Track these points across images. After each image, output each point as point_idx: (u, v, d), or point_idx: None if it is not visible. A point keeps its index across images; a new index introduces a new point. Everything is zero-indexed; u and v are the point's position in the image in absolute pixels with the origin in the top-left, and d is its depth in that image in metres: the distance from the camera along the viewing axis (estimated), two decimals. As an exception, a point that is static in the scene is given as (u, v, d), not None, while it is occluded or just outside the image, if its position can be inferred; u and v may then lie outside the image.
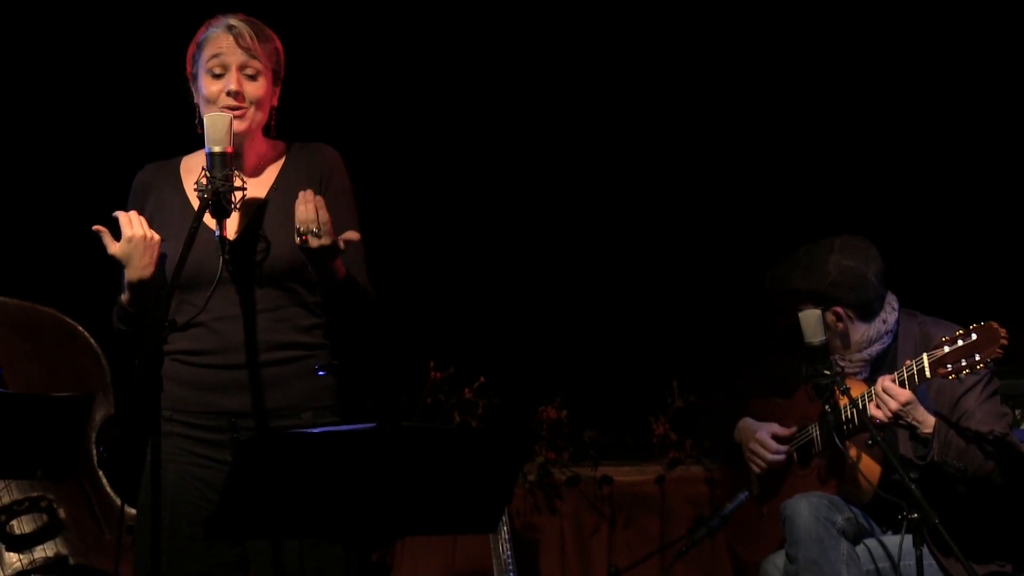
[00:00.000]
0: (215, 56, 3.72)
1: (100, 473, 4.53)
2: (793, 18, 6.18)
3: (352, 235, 3.63)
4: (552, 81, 6.29)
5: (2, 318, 4.55)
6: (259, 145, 3.81)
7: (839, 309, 4.56)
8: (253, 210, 3.74)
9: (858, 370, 4.60)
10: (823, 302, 4.54)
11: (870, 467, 4.45)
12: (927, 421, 4.33)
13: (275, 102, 3.79)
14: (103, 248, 3.65)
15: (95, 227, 3.65)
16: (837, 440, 4.39)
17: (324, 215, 3.54)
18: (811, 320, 4.38)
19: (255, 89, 3.74)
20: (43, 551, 4.41)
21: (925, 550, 4.20)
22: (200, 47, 3.76)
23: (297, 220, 3.54)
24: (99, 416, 4.56)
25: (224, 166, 3.60)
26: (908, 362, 4.33)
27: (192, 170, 3.78)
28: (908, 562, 4.29)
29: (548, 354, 6.21)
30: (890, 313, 4.60)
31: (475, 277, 6.25)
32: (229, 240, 3.66)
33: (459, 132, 6.27)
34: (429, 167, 6.26)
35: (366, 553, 4.52)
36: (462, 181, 6.29)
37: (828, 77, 6.18)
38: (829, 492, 4.53)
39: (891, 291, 4.65)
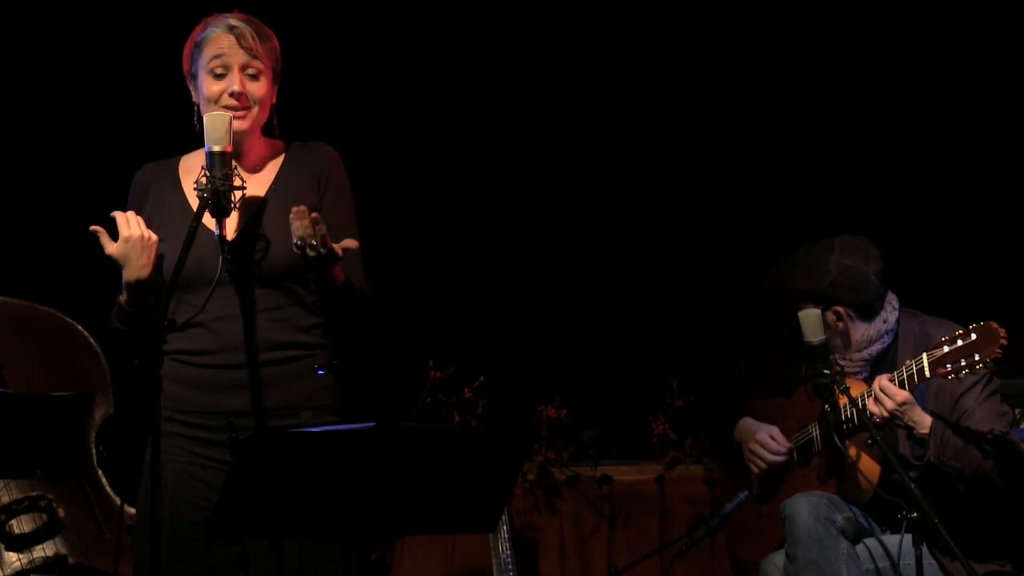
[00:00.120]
0: (217, 56, 3.72)
1: (100, 473, 4.53)
2: (793, 18, 6.18)
3: (350, 243, 3.62)
4: (552, 81, 6.29)
5: (2, 318, 4.56)
6: (258, 144, 3.80)
7: (839, 308, 4.57)
8: (252, 209, 3.73)
9: (858, 369, 4.60)
10: (823, 301, 4.54)
11: (870, 466, 4.45)
12: (923, 421, 4.33)
13: (274, 100, 3.79)
14: (102, 248, 3.65)
15: (92, 227, 3.65)
16: (837, 440, 4.39)
17: (321, 228, 3.53)
18: (811, 320, 4.38)
19: (257, 89, 3.73)
20: (42, 550, 4.41)
21: (925, 549, 4.20)
22: (199, 46, 3.75)
23: (294, 235, 3.54)
24: (99, 415, 4.56)
25: (224, 165, 3.59)
26: (908, 362, 4.33)
27: (191, 169, 3.78)
28: (908, 561, 4.28)
29: (548, 354, 6.21)
30: (890, 312, 4.61)
31: (475, 277, 6.25)
32: (228, 240, 3.66)
33: (459, 132, 6.27)
34: (429, 167, 6.26)
35: (365, 553, 4.52)
36: (462, 181, 6.29)
37: (828, 77, 6.18)
38: (829, 491, 4.53)
39: (891, 291, 4.65)
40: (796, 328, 4.42)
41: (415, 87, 6.26)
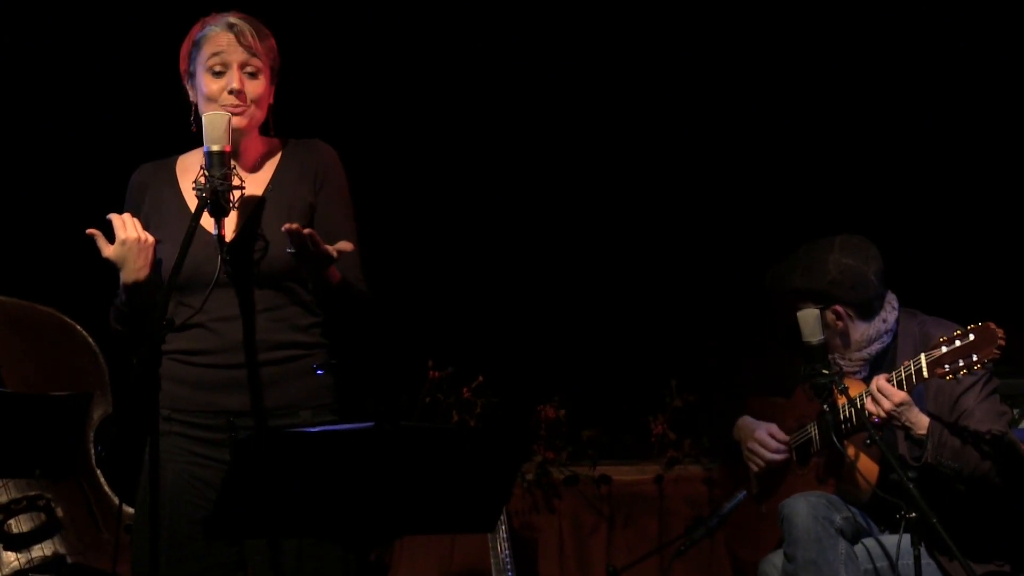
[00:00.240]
0: (216, 54, 3.71)
1: (98, 472, 4.53)
2: (793, 18, 6.17)
3: (345, 245, 3.61)
4: (552, 81, 6.29)
5: (0, 317, 4.56)
6: (256, 143, 3.80)
7: (839, 308, 4.56)
8: (251, 209, 3.73)
9: (857, 369, 4.60)
10: (823, 301, 4.54)
11: (868, 466, 4.45)
12: (921, 422, 4.33)
13: (271, 100, 3.79)
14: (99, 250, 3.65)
15: (89, 231, 3.64)
16: (835, 440, 4.38)
17: (315, 238, 3.54)
18: (809, 319, 4.38)
19: (256, 87, 3.73)
20: (41, 550, 4.41)
21: (923, 550, 4.20)
22: (197, 45, 3.75)
23: (291, 244, 3.55)
24: (97, 415, 4.56)
25: (223, 165, 3.59)
26: (906, 362, 4.33)
27: (188, 169, 3.78)
28: (906, 561, 4.28)
29: (546, 353, 6.21)
30: (890, 312, 4.60)
31: (474, 276, 6.25)
32: (227, 240, 3.66)
33: (459, 132, 6.27)
34: (429, 167, 6.26)
35: (364, 553, 4.51)
36: (462, 181, 6.29)
37: (828, 77, 6.18)
38: (827, 491, 4.53)
39: (891, 290, 4.65)
40: (796, 327, 4.42)
41: (415, 87, 6.26)
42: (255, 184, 3.77)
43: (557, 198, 6.36)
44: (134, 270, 3.64)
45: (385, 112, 6.22)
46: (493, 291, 6.26)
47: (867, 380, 4.51)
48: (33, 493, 4.45)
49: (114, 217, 3.66)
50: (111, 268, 3.68)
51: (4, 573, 4.36)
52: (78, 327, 4.62)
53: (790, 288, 4.62)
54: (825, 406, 4.41)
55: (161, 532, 3.55)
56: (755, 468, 4.78)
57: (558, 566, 5.78)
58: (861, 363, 4.61)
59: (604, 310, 6.36)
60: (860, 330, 4.59)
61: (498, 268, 6.29)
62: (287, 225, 3.53)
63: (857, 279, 4.54)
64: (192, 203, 3.67)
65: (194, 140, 3.73)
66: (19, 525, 4.41)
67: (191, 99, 3.78)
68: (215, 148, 3.60)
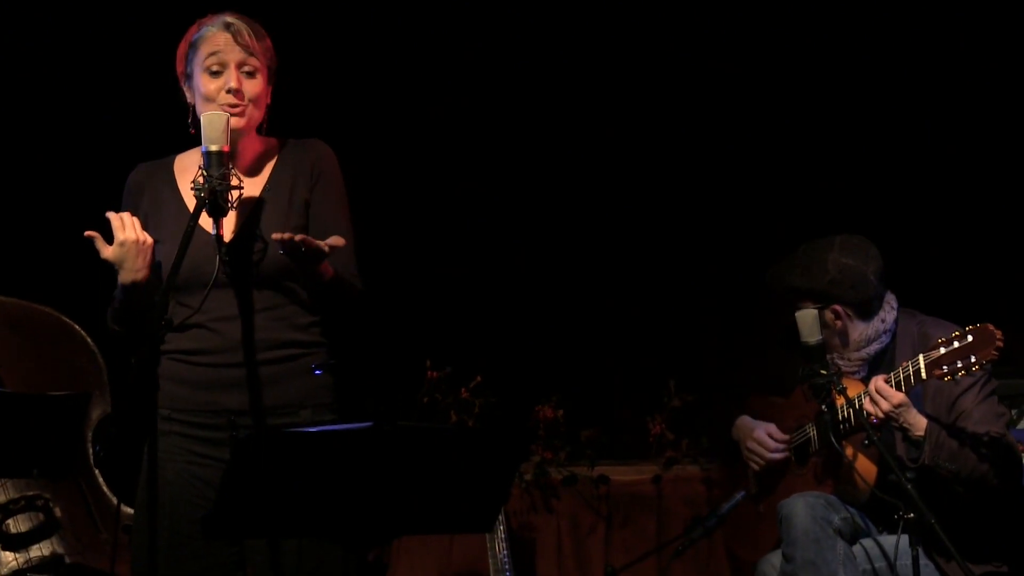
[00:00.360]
0: (213, 54, 3.71)
1: (96, 472, 4.53)
2: (793, 18, 6.17)
3: (337, 240, 3.61)
4: (552, 81, 6.29)
5: (-1, 317, 4.57)
6: (253, 143, 3.80)
7: (838, 307, 4.56)
8: (249, 209, 3.73)
9: (856, 369, 4.60)
10: (822, 300, 4.54)
11: (866, 467, 4.45)
12: (919, 423, 4.33)
13: (269, 100, 3.79)
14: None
15: (87, 232, 3.63)
16: (833, 440, 4.38)
17: (307, 241, 3.54)
18: (807, 319, 4.38)
19: (253, 87, 3.73)
20: (39, 550, 4.41)
21: (921, 550, 4.20)
22: (194, 46, 3.74)
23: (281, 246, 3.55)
24: (96, 415, 4.55)
25: (221, 165, 3.59)
26: (904, 363, 4.33)
27: (186, 169, 3.78)
28: (904, 562, 4.28)
29: (545, 353, 6.21)
30: (889, 312, 4.60)
31: (472, 276, 6.25)
32: (225, 240, 3.66)
33: (458, 132, 6.27)
34: (428, 167, 6.26)
35: (363, 552, 4.52)
36: (461, 181, 6.28)
37: (828, 77, 6.18)
38: (826, 492, 4.53)
39: (890, 290, 4.65)
40: (795, 327, 4.42)
41: (415, 87, 6.26)
42: (253, 184, 3.77)
43: (556, 198, 6.36)
44: (132, 271, 3.63)
45: (385, 112, 6.21)
46: (491, 291, 6.25)
47: (866, 380, 4.50)
48: (31, 493, 4.45)
49: (112, 216, 3.65)
50: (109, 268, 3.67)
51: (2, 573, 4.36)
52: (76, 327, 4.62)
53: (789, 287, 4.62)
54: (823, 406, 4.41)
55: (161, 532, 3.54)
56: (754, 467, 4.78)
57: (556, 566, 5.78)
58: (860, 363, 4.60)
59: (602, 310, 6.36)
60: (859, 330, 4.58)
61: (496, 268, 6.29)
62: (276, 235, 3.53)
63: (857, 279, 4.54)
64: (190, 203, 3.67)
65: (191, 140, 3.73)
66: (17, 525, 4.41)
67: (188, 100, 3.78)
68: (213, 148, 3.60)
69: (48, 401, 3.60)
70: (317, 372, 3.73)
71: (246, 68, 3.73)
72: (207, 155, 3.60)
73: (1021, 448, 4.57)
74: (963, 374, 4.21)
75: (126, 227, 3.63)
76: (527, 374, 6.10)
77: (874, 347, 4.59)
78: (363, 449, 3.11)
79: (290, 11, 5.56)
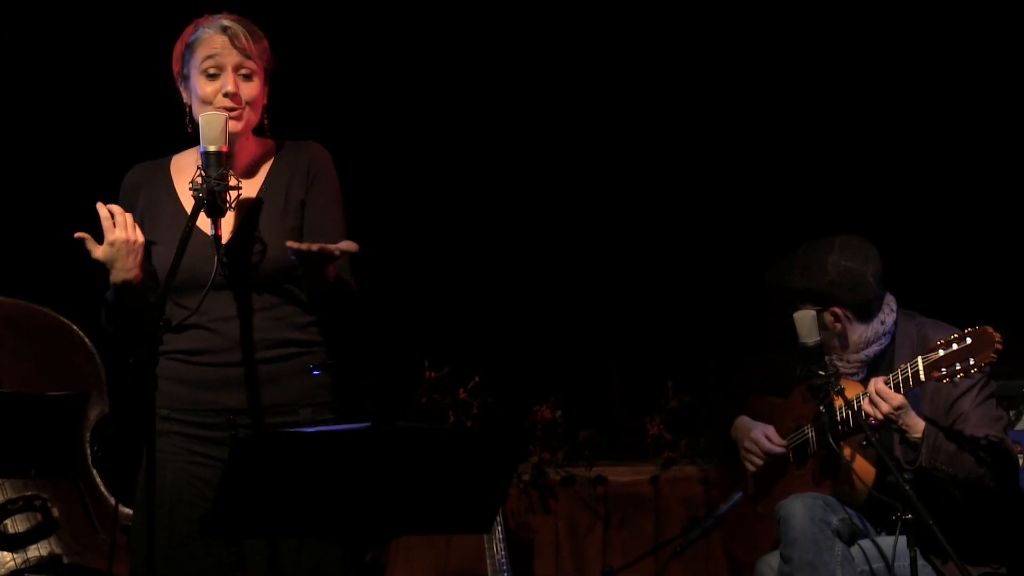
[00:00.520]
0: (210, 57, 3.71)
1: (95, 472, 4.53)
2: (793, 18, 6.17)
3: (349, 246, 3.61)
4: (551, 81, 6.29)
5: (-3, 317, 4.57)
6: (250, 145, 3.79)
7: (837, 309, 4.56)
8: (247, 210, 3.73)
9: (855, 371, 4.60)
10: (821, 302, 4.54)
11: (865, 468, 4.45)
12: (916, 426, 4.33)
13: (266, 101, 3.79)
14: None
15: (77, 234, 3.62)
16: (832, 441, 4.38)
17: (325, 249, 3.54)
18: (806, 320, 4.38)
19: (250, 89, 3.73)
20: (37, 550, 4.41)
21: (919, 551, 4.20)
22: (191, 47, 3.74)
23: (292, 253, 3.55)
24: (94, 415, 4.56)
25: (219, 165, 3.58)
26: (903, 365, 4.33)
27: (183, 170, 3.77)
28: (902, 563, 4.29)
29: (543, 354, 6.21)
30: (888, 314, 4.60)
31: (471, 277, 6.24)
32: (223, 241, 3.65)
33: (455, 132, 6.26)
34: (426, 167, 6.26)
35: (361, 552, 4.52)
36: (459, 182, 6.28)
37: (828, 77, 6.18)
38: (824, 492, 4.53)
39: (889, 292, 4.65)
40: (794, 328, 4.42)
41: (415, 87, 6.26)
42: (250, 185, 3.76)
43: (555, 199, 6.36)
44: (123, 270, 3.62)
45: (384, 112, 6.21)
46: (490, 292, 6.25)
47: (864, 382, 4.50)
48: (29, 493, 4.45)
49: (102, 211, 3.61)
50: (104, 268, 3.66)
51: (1, 573, 4.36)
52: (75, 327, 4.62)
53: (789, 288, 4.62)
54: (821, 407, 4.41)
55: (160, 532, 3.54)
56: (751, 468, 4.78)
57: (554, 567, 5.78)
58: (859, 365, 4.60)
59: (601, 311, 6.36)
60: (858, 332, 4.58)
61: (495, 269, 6.29)
62: (292, 244, 3.52)
63: (856, 281, 4.54)
64: (187, 204, 3.67)
65: (188, 140, 3.73)
66: (15, 525, 4.42)
67: (185, 100, 3.77)
68: (212, 148, 3.59)
69: (46, 401, 3.60)
70: (315, 372, 3.73)
71: (243, 71, 3.72)
72: (205, 155, 3.59)
73: (1019, 450, 4.58)
74: (962, 376, 4.21)
75: (116, 225, 3.62)
76: (525, 375, 6.10)
77: (873, 349, 4.59)
78: (361, 449, 3.11)
79: (289, 11, 5.56)
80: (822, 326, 4.45)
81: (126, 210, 3.72)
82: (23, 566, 4.37)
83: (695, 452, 5.87)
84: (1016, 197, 6.06)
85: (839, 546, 4.38)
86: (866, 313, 4.57)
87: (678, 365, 6.09)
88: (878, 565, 4.40)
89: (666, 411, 5.96)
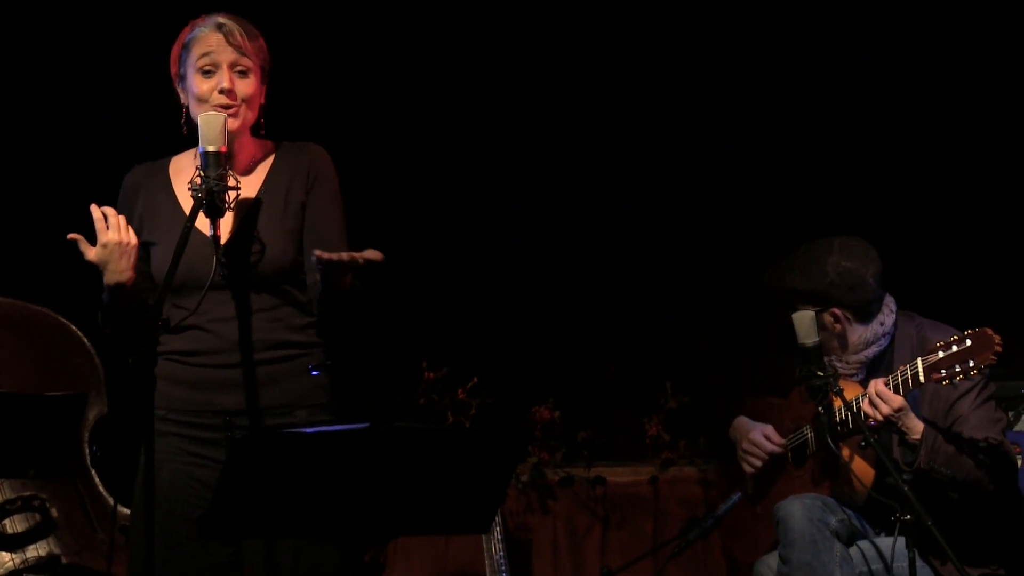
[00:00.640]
0: (205, 54, 3.71)
1: (93, 472, 4.53)
2: (793, 18, 6.17)
3: (375, 254, 3.59)
4: (551, 82, 6.29)
5: (-4, 317, 4.57)
6: (249, 145, 3.79)
7: (836, 310, 4.56)
8: (246, 210, 3.73)
9: (854, 372, 4.60)
10: (821, 302, 4.54)
11: (863, 469, 4.45)
12: (916, 428, 4.33)
13: (263, 100, 3.79)
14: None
15: (70, 235, 3.62)
16: (830, 442, 4.38)
17: (354, 258, 3.53)
18: (804, 321, 4.38)
19: (246, 87, 3.73)
20: (35, 550, 4.41)
21: (917, 552, 4.20)
22: (187, 47, 3.74)
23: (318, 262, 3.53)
24: (92, 415, 4.55)
25: (218, 165, 3.58)
26: (902, 367, 4.33)
27: (182, 171, 3.77)
28: (901, 564, 4.29)
29: (542, 354, 6.21)
30: (887, 315, 4.60)
31: (469, 277, 6.24)
32: (222, 241, 3.65)
33: (454, 132, 6.26)
34: (425, 168, 6.26)
35: (359, 553, 4.52)
36: (459, 181, 6.28)
37: (828, 77, 6.18)
38: (823, 493, 4.53)
39: (889, 293, 4.65)
40: (793, 328, 4.42)
41: (415, 88, 6.26)
42: (249, 186, 3.76)
43: (554, 199, 6.36)
44: (116, 272, 3.62)
45: (383, 112, 6.21)
46: (488, 292, 6.25)
47: (863, 383, 4.50)
48: (28, 493, 4.45)
49: (95, 213, 3.62)
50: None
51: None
52: (73, 327, 4.62)
53: (788, 289, 4.62)
54: (820, 408, 4.41)
55: (158, 532, 3.54)
56: (749, 469, 4.78)
57: (553, 567, 5.78)
58: (858, 366, 4.60)
59: (599, 311, 6.36)
60: (857, 333, 4.58)
61: (493, 269, 6.29)
62: (320, 252, 3.51)
63: (855, 282, 4.54)
64: (186, 204, 3.67)
65: (187, 141, 3.73)
66: (14, 525, 4.41)
67: (182, 101, 3.77)
68: (211, 149, 3.59)
69: (45, 401, 3.59)
70: (314, 373, 3.73)
71: (239, 68, 3.72)
72: (204, 156, 3.59)
73: (1017, 451, 4.58)
74: (961, 378, 4.21)
75: (109, 227, 3.62)
76: (524, 375, 6.10)
77: (872, 350, 4.59)
78: (360, 450, 3.11)
79: (289, 11, 5.57)
80: (821, 327, 4.45)
81: (125, 211, 3.73)
82: (22, 566, 4.37)
83: (694, 453, 5.87)
84: (1016, 197, 6.06)
85: (838, 547, 4.38)
86: (865, 314, 4.57)
87: (677, 366, 6.09)
88: (877, 566, 4.40)
89: (665, 412, 5.96)
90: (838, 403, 4.41)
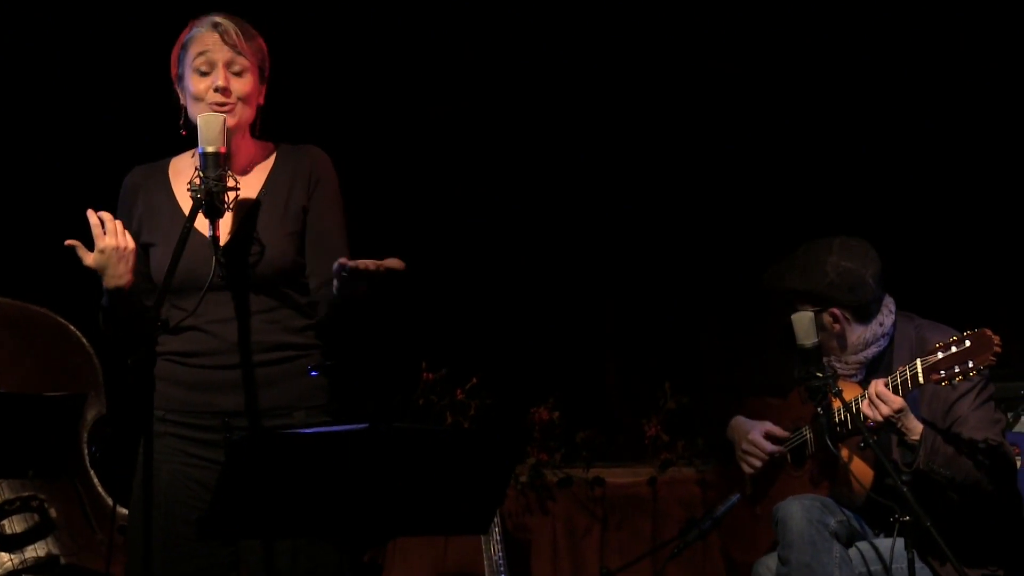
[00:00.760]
0: (201, 54, 3.71)
1: (92, 473, 4.53)
2: (793, 18, 6.17)
3: (395, 263, 3.59)
4: (551, 82, 6.29)
5: (-5, 317, 4.57)
6: (247, 145, 3.79)
7: (836, 311, 4.56)
8: (245, 212, 3.73)
9: (853, 372, 4.59)
10: (820, 303, 4.53)
11: (862, 470, 4.45)
12: (915, 428, 4.33)
13: (261, 101, 3.79)
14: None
15: (68, 241, 3.61)
16: (829, 442, 4.38)
17: (380, 267, 3.53)
18: (804, 322, 4.38)
19: (242, 85, 3.72)
20: (34, 551, 4.41)
21: (917, 553, 4.20)
22: (185, 47, 3.74)
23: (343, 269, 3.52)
24: (91, 416, 4.56)
25: (218, 166, 3.58)
26: (902, 367, 4.32)
27: (181, 172, 3.77)
28: (900, 565, 4.29)
29: (541, 355, 6.21)
30: (887, 316, 4.60)
31: (468, 278, 6.24)
32: (221, 242, 3.65)
33: (454, 132, 6.26)
34: (425, 168, 6.26)
35: (358, 553, 4.52)
36: (459, 181, 6.28)
37: (828, 77, 6.18)
38: (822, 494, 4.53)
39: (888, 294, 4.64)
40: (792, 328, 4.42)
41: (414, 88, 6.26)
42: (249, 187, 3.76)
43: (553, 199, 6.36)
44: (115, 276, 3.61)
45: (383, 112, 6.21)
46: (487, 293, 6.25)
47: (863, 384, 4.50)
48: (27, 494, 4.45)
49: (92, 218, 3.61)
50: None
51: (-2, 574, 4.37)
52: (72, 328, 4.62)
53: (787, 289, 4.61)
54: (819, 409, 4.41)
55: (156, 533, 3.54)
56: (748, 470, 4.78)
57: (552, 568, 5.78)
58: (857, 366, 4.60)
59: (598, 312, 6.36)
60: (857, 333, 4.58)
61: (493, 270, 6.29)
62: (344, 260, 3.50)
63: (855, 282, 4.53)
64: (185, 205, 3.67)
65: (187, 142, 3.73)
66: (12, 526, 4.41)
67: (182, 102, 3.77)
68: (210, 149, 3.59)
69: (44, 402, 3.60)
70: (313, 374, 3.73)
71: (235, 67, 3.72)
72: (203, 156, 3.59)
73: (1017, 452, 4.58)
74: (960, 379, 4.20)
75: (107, 232, 3.62)
76: (523, 376, 6.10)
77: (872, 351, 4.58)
78: (358, 451, 3.11)
79: (289, 11, 5.56)
80: (820, 327, 4.45)
81: (125, 212, 3.74)
82: (20, 566, 4.37)
83: (693, 453, 5.87)
84: (1016, 197, 6.05)
85: (837, 548, 4.38)
86: (865, 314, 4.57)
87: (676, 366, 6.09)
88: (876, 567, 4.40)
89: (664, 412, 5.96)
90: (837, 404, 4.40)
